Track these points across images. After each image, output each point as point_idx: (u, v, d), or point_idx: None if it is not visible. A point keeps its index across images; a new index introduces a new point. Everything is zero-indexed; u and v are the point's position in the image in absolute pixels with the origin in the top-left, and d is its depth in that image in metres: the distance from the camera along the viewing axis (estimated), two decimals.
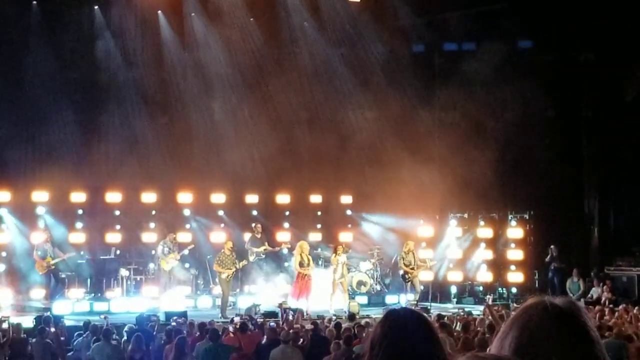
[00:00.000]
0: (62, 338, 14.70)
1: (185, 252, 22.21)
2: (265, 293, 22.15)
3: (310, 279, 20.51)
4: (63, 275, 21.70)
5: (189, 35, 25.45)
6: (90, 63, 24.26)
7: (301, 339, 13.88)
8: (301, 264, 20.51)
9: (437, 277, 24.58)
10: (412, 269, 21.99)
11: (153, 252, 22.36)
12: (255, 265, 22.91)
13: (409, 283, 22.10)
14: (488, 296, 23.09)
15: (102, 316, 16.86)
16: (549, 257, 24.37)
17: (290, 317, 16.45)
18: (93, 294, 22.01)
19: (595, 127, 25.22)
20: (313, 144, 25.64)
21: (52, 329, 14.66)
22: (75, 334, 14.92)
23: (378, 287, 23.85)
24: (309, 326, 15.02)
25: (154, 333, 14.51)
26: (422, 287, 22.30)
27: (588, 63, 24.63)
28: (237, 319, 16.28)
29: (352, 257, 23.38)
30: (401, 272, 22.24)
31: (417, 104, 25.71)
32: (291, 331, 13.92)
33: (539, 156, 24.49)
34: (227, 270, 20.53)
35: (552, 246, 24.44)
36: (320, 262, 23.23)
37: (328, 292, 21.03)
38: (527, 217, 25.19)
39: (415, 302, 21.49)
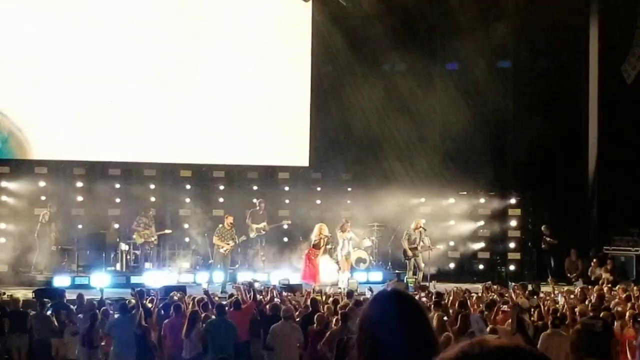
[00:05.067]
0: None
1: (167, 231, 22.29)
2: (265, 269, 22.15)
3: (319, 261, 20.48)
4: (59, 247, 21.84)
5: (192, 4, 25.16)
6: (90, 33, 24.13)
7: (298, 315, 13.92)
8: (315, 246, 20.49)
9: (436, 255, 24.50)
10: (415, 248, 21.75)
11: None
12: (256, 241, 22.91)
13: (411, 260, 21.85)
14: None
15: (99, 289, 16.91)
16: (542, 239, 24.38)
17: (284, 294, 16.42)
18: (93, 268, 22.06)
19: (596, 106, 25.15)
20: (315, 119, 25.61)
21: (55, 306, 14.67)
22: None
23: (377, 264, 23.79)
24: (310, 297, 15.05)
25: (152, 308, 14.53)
26: (423, 265, 22.12)
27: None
28: (236, 293, 16.24)
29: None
30: (403, 249, 21.97)
31: (416, 77, 25.60)
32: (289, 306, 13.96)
33: (539, 134, 24.42)
34: (225, 245, 20.55)
35: (542, 227, 24.45)
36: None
37: (336, 269, 21.04)
38: (527, 196, 25.18)
39: (415, 280, 21.44)
